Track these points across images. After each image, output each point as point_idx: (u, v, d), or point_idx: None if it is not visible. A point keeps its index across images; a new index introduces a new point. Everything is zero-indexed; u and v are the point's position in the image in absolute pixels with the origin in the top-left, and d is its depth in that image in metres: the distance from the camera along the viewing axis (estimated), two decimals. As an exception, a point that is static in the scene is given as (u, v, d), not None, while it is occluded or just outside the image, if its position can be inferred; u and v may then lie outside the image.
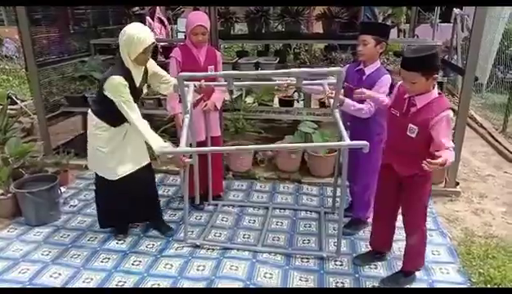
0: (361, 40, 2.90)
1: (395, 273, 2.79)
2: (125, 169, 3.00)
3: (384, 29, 3.03)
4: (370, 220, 3.36)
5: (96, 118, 2.90)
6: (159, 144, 2.71)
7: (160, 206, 3.46)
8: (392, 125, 2.58)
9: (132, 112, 2.75)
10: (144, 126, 2.78)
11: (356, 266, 2.92)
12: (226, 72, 2.80)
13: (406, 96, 2.42)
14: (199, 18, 3.22)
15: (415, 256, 2.68)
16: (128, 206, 3.17)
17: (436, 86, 2.37)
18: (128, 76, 2.76)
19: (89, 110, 2.98)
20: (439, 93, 2.37)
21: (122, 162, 2.99)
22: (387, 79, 2.91)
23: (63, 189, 3.97)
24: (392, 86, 2.95)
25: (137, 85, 2.86)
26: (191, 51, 3.31)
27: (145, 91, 3.03)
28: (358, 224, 3.37)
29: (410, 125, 2.38)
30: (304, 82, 3.01)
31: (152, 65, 3.01)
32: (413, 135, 2.38)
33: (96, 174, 3.13)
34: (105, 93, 2.75)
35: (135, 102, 2.83)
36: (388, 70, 3.09)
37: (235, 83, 3.00)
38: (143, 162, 3.11)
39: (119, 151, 2.97)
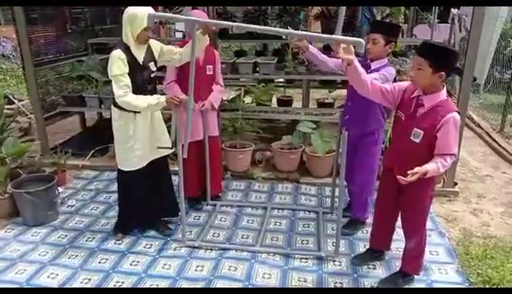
0: (371, 38, 2.90)
1: (393, 274, 2.79)
2: (152, 155, 3.11)
3: (394, 29, 3.03)
4: (368, 221, 3.36)
5: (119, 109, 2.95)
6: (153, 100, 2.87)
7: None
8: (396, 128, 2.55)
9: (119, 88, 2.81)
10: (130, 98, 2.83)
11: (354, 266, 2.92)
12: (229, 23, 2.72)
13: (413, 96, 2.39)
14: (200, 16, 3.22)
15: (412, 259, 2.68)
16: (153, 197, 3.23)
17: (445, 87, 2.33)
18: (127, 51, 2.84)
19: (111, 106, 3.04)
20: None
21: (148, 148, 3.08)
22: (391, 70, 2.91)
23: (61, 189, 3.95)
24: (395, 81, 2.95)
25: (141, 62, 2.92)
26: None
27: (153, 69, 3.04)
28: (357, 225, 3.37)
29: (415, 129, 2.35)
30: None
31: (158, 45, 3.08)
32: (417, 141, 2.35)
33: (120, 173, 3.16)
34: (109, 75, 2.84)
35: (149, 83, 2.98)
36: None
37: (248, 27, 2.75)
38: (162, 151, 3.19)
39: (147, 138, 3.04)
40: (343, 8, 2.76)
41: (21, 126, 5.56)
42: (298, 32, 2.76)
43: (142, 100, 2.86)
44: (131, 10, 2.81)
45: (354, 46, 2.34)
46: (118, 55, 2.80)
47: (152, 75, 3.04)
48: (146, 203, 3.22)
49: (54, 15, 5.14)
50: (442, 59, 2.22)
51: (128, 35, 2.85)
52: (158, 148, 3.09)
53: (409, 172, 2.22)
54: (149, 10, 2.81)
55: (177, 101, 2.89)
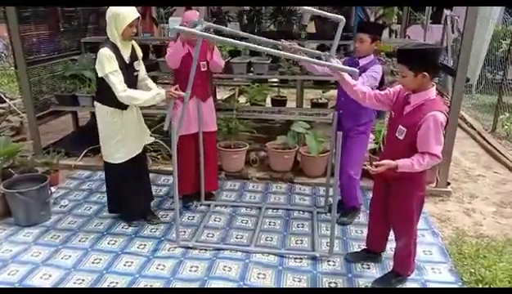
0: (359, 38, 3.13)
1: (386, 274, 2.80)
2: (136, 148, 3.22)
3: (378, 28, 3.45)
4: (363, 221, 3.39)
5: (105, 106, 3.03)
6: (154, 94, 2.99)
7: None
8: (388, 126, 2.60)
9: (119, 83, 2.89)
10: (134, 92, 2.94)
11: (349, 266, 2.93)
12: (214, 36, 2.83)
13: (404, 94, 2.43)
14: (191, 17, 3.24)
15: (402, 259, 2.69)
16: (139, 187, 3.34)
17: (434, 87, 2.34)
18: (114, 49, 2.90)
19: (95, 103, 3.12)
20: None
21: (133, 142, 3.18)
22: (378, 68, 3.11)
23: (53, 189, 3.92)
24: (382, 79, 3.15)
25: (127, 60, 2.99)
26: (185, 47, 3.33)
27: (137, 68, 3.11)
28: (354, 212, 3.50)
29: (400, 126, 2.38)
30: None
31: (140, 52, 3.15)
32: (400, 137, 2.38)
33: (108, 165, 3.25)
34: (99, 73, 2.90)
35: (134, 81, 3.05)
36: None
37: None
38: (146, 140, 3.34)
39: (133, 131, 3.15)
40: (343, 22, 2.81)
41: (13, 126, 5.50)
42: (296, 55, 2.81)
43: (144, 93, 2.97)
44: (113, 8, 2.90)
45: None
46: (107, 52, 2.86)
47: (135, 73, 3.11)
48: (137, 192, 3.33)
49: (47, 14, 5.09)
50: (419, 61, 2.24)
51: (113, 33, 2.92)
52: (150, 136, 3.28)
53: (374, 163, 2.26)
54: (131, 6, 2.92)
55: (175, 95, 2.99)
